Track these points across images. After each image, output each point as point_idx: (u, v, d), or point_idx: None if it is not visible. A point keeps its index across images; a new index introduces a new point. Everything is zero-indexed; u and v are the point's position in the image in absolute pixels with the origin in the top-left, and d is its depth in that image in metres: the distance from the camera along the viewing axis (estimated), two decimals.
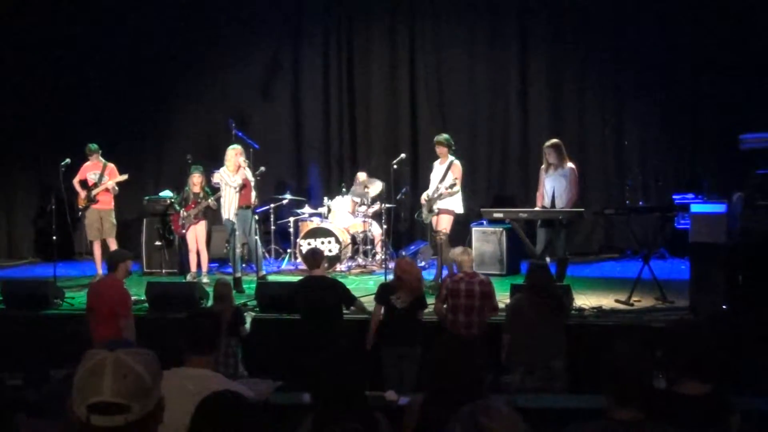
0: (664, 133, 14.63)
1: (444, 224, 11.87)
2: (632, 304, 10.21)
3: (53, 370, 6.01)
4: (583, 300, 10.28)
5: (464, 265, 8.79)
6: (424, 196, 12.15)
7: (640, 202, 13.00)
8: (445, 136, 12.12)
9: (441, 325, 8.72)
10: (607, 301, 10.44)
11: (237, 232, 12.02)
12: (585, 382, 6.94)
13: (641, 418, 3.57)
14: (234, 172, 12.03)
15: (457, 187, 11.71)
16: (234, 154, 12.10)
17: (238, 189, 12.00)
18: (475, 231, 13.05)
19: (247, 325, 8.79)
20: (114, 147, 13.37)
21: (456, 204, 11.91)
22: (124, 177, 13.11)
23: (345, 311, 9.07)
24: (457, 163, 11.95)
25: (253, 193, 12.18)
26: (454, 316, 8.53)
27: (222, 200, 12.18)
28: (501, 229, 12.80)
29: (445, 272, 11.02)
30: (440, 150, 12.00)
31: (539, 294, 8.02)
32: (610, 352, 3.75)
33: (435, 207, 11.85)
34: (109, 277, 8.89)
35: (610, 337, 8.50)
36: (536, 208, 11.57)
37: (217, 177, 12.22)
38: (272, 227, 14.29)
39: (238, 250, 12.11)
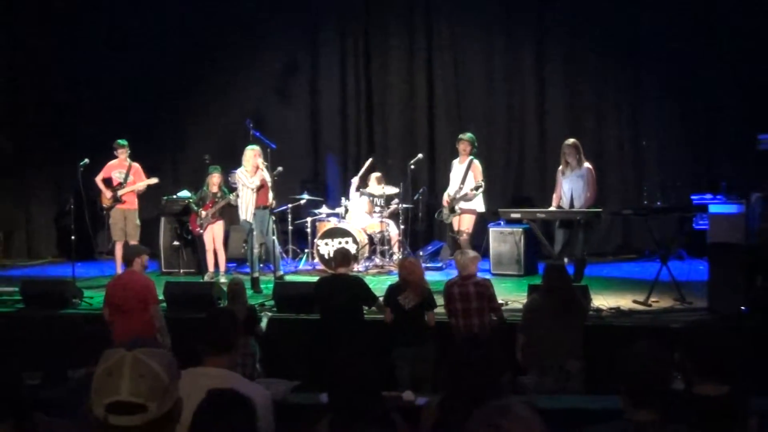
0: (682, 132, 14.56)
1: (467, 224, 11.92)
2: (650, 305, 10.16)
3: (71, 370, 6.05)
4: (601, 300, 10.23)
5: (462, 269, 8.72)
6: (446, 196, 12.15)
7: (658, 203, 12.94)
8: (470, 134, 12.16)
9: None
10: (625, 301, 10.39)
11: (254, 232, 12.04)
12: (603, 383, 6.92)
13: (658, 420, 3.57)
14: (252, 173, 12.04)
15: (482, 188, 11.76)
16: (253, 154, 12.10)
17: (255, 189, 12.02)
18: (493, 231, 13.01)
19: (263, 325, 8.81)
20: (133, 147, 13.37)
21: (478, 203, 11.95)
22: (155, 181, 13.24)
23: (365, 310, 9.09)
24: (476, 162, 12.00)
25: (270, 194, 12.20)
26: (455, 320, 8.51)
27: (239, 201, 12.20)
28: (518, 229, 12.77)
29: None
30: (464, 148, 12.05)
31: (555, 295, 8.00)
32: (627, 353, 3.74)
33: (458, 207, 11.86)
34: (128, 271, 8.98)
35: (628, 337, 8.50)
36: (552, 208, 11.57)
37: (235, 177, 12.26)
38: (289, 227, 14.29)
39: (255, 250, 12.12)
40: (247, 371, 8.07)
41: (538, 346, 7.86)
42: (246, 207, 12.08)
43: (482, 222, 12.92)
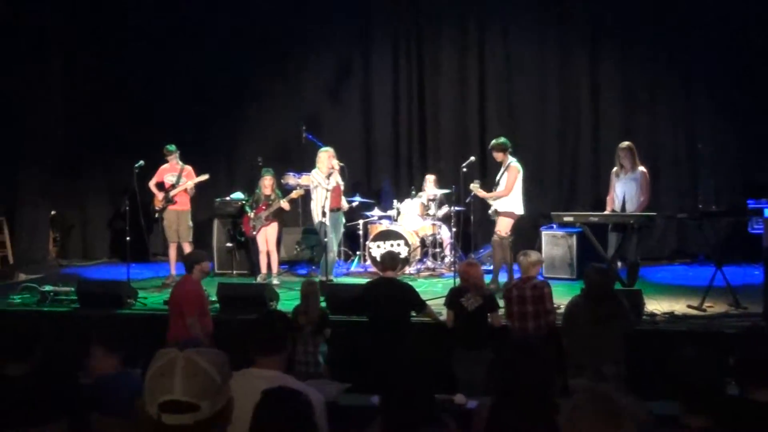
0: (737, 136, 14.34)
1: (500, 227, 11.74)
2: (705, 310, 10.07)
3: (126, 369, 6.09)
4: (655, 305, 10.16)
5: (524, 271, 8.72)
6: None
7: (713, 207, 12.79)
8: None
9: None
10: (679, 306, 10.32)
11: (329, 235, 12.08)
12: (656, 388, 6.85)
13: (713, 426, 3.53)
14: (327, 175, 12.08)
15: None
16: (327, 156, 12.16)
17: (329, 191, 12.04)
18: (545, 235, 12.96)
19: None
20: (186, 149, 13.49)
21: (512, 206, 11.80)
22: (205, 177, 13.28)
23: (413, 315, 9.07)
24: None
25: (343, 197, 12.29)
26: (511, 324, 8.52)
27: (312, 203, 12.26)
28: (571, 233, 12.70)
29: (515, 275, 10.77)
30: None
31: (594, 297, 7.91)
32: (680, 358, 3.71)
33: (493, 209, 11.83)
34: (184, 277, 9.20)
35: (682, 342, 8.41)
36: (606, 212, 11.49)
37: (307, 180, 12.30)
38: (342, 230, 14.32)
39: (331, 254, 12.18)
40: (309, 370, 8.14)
41: (575, 348, 7.82)
42: (320, 208, 12.10)
43: (532, 226, 12.92)
